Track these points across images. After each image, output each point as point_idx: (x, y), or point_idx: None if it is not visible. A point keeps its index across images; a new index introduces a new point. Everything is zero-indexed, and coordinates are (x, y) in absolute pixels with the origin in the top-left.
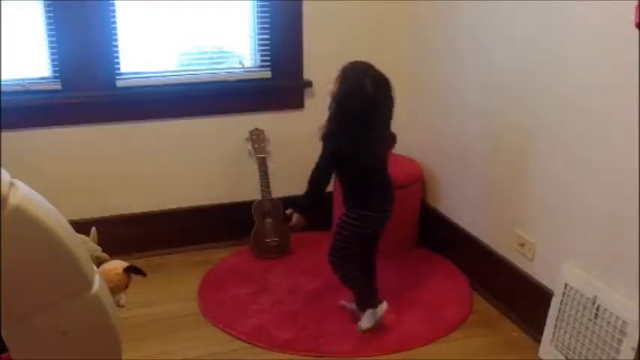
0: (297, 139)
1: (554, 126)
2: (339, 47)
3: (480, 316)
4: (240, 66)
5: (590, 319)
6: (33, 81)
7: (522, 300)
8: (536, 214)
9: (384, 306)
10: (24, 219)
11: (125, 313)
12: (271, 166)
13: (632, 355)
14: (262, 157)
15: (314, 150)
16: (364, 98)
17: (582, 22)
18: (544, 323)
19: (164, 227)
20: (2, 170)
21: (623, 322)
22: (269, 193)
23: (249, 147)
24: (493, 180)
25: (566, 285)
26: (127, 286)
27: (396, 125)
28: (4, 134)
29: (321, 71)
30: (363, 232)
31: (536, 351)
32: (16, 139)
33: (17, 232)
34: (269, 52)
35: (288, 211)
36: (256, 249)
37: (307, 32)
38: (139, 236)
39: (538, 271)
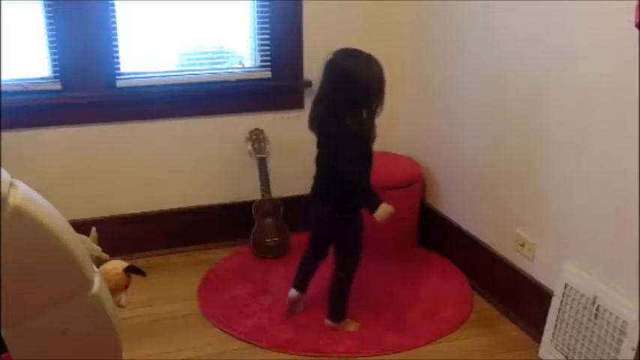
0: (297, 139)
1: (554, 126)
2: (340, 47)
3: (479, 316)
4: (240, 66)
5: (590, 319)
6: (33, 81)
7: (522, 300)
8: (536, 214)
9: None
10: (24, 219)
11: (125, 313)
12: (271, 166)
13: (632, 355)
14: (262, 157)
15: (314, 150)
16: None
17: (583, 22)
18: (544, 323)
19: (164, 227)
20: (2, 170)
21: (623, 322)
22: (269, 193)
23: (249, 147)
24: (493, 180)
25: (566, 285)
26: (127, 286)
27: (397, 125)
28: (4, 134)
29: (321, 71)
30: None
31: (536, 351)
32: (16, 139)
33: (17, 232)
34: (269, 52)
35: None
36: (256, 249)
37: (307, 32)
38: (139, 236)
39: (538, 271)
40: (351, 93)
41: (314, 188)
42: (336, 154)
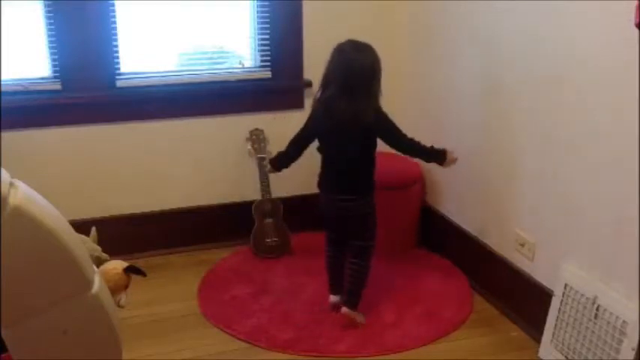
0: None
1: (554, 126)
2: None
3: (479, 316)
4: (240, 66)
5: (590, 319)
6: (33, 81)
7: (522, 300)
8: (536, 214)
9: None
10: (24, 219)
11: (125, 313)
12: None
13: (632, 355)
14: (262, 157)
15: (314, 150)
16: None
17: (583, 22)
18: (544, 323)
19: (164, 227)
20: (2, 170)
21: (623, 322)
22: (269, 193)
23: (249, 147)
24: (493, 180)
25: (566, 285)
26: (127, 286)
27: (397, 125)
28: (4, 134)
29: (321, 71)
30: None
31: (536, 351)
32: (16, 139)
33: (17, 232)
34: (269, 52)
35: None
36: (256, 249)
37: (307, 32)
38: (139, 236)
39: (538, 271)
40: (370, 84)
41: (331, 181)
42: (372, 139)
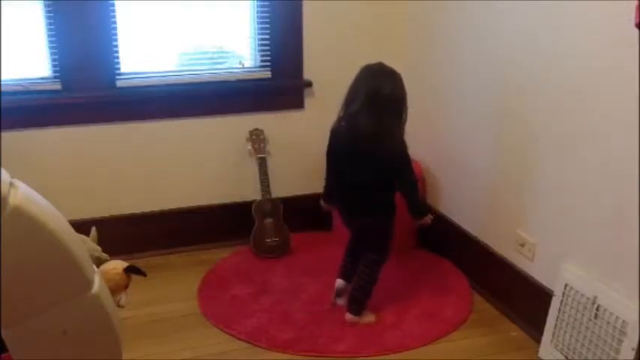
0: (297, 139)
1: (554, 126)
2: (340, 47)
3: (479, 316)
4: (240, 66)
5: (590, 319)
6: (33, 81)
7: (522, 300)
8: (536, 214)
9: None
10: (24, 219)
11: (125, 313)
12: (271, 166)
13: (632, 355)
14: (262, 157)
15: (314, 150)
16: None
17: (583, 22)
18: (544, 323)
19: (164, 227)
20: (2, 170)
21: (623, 322)
22: (269, 193)
23: (249, 147)
24: (493, 180)
25: (566, 285)
26: (127, 286)
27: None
28: (4, 134)
29: (321, 71)
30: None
31: (536, 351)
32: (16, 139)
33: (17, 232)
34: (269, 52)
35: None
36: (256, 249)
37: (307, 32)
38: (139, 236)
39: (538, 271)
40: (397, 107)
41: (342, 196)
42: (391, 170)
